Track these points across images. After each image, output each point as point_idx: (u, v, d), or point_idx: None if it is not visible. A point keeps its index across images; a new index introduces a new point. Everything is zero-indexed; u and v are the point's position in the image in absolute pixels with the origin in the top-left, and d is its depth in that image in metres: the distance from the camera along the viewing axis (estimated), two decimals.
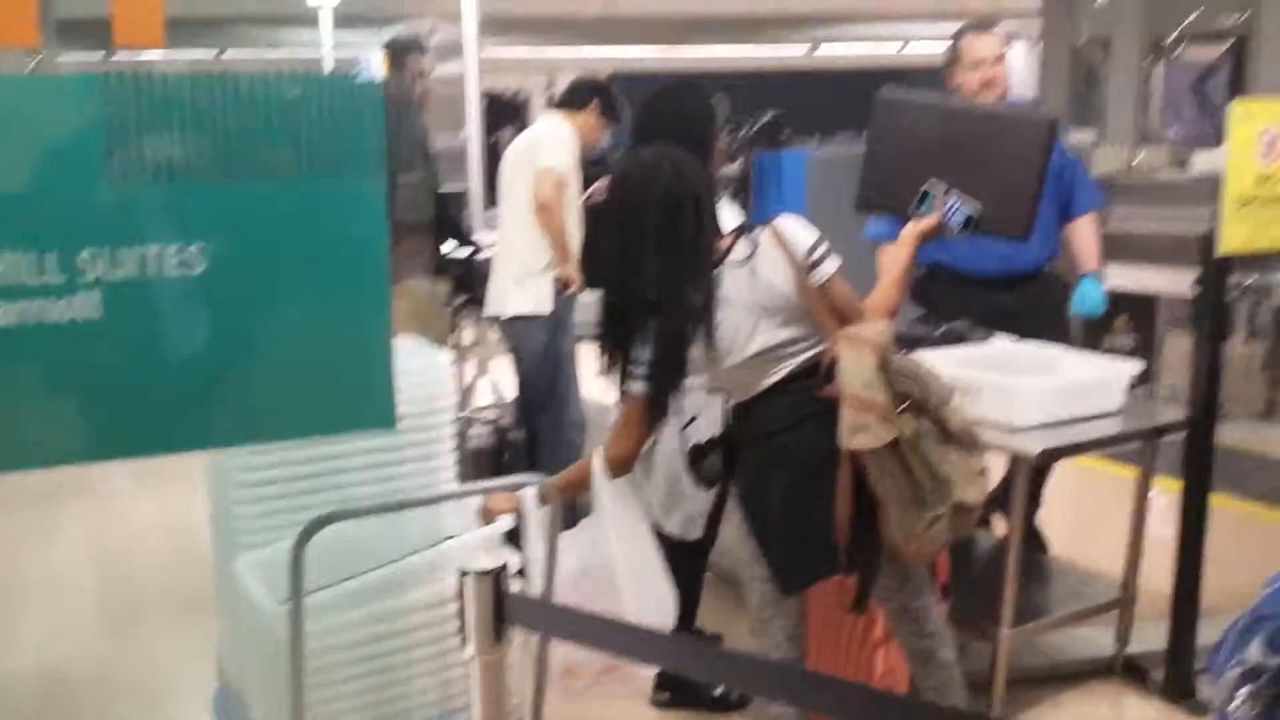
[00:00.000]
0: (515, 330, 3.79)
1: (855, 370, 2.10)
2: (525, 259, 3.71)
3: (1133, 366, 2.95)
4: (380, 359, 1.72)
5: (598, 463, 2.22)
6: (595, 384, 3.19)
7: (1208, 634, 2.89)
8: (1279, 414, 5.25)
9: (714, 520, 2.87)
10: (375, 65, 4.71)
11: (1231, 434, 3.56)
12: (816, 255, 2.20)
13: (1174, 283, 4.57)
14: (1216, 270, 2.86)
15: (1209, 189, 5.27)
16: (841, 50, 11.82)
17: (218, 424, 1.66)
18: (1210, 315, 2.89)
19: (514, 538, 2.27)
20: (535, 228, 3.67)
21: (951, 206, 2.38)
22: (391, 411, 1.75)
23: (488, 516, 2.34)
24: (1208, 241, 2.82)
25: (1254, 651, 1.47)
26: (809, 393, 2.19)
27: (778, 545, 2.25)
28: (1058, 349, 3.05)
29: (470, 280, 4.39)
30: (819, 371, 2.19)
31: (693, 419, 2.69)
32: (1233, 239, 2.75)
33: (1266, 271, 4.58)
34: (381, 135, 1.62)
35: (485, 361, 5.23)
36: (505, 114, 9.57)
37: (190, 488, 3.08)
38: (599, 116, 3.81)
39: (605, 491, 2.22)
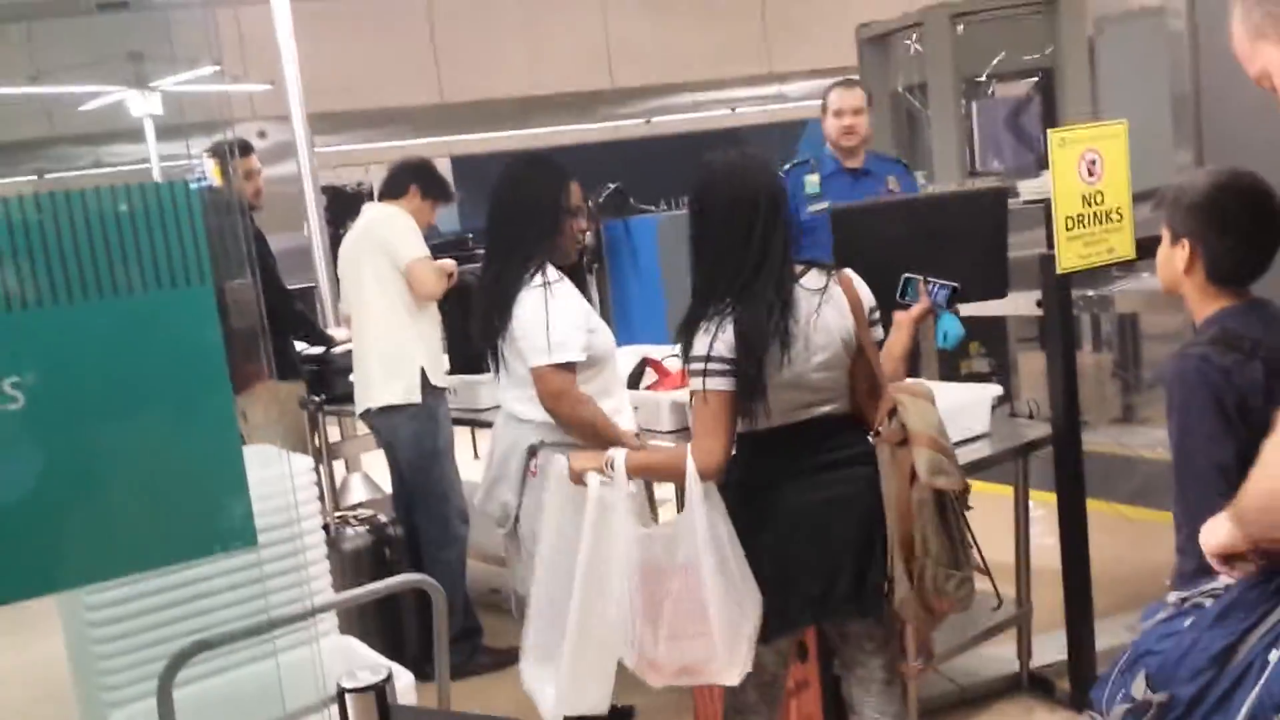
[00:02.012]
0: (387, 423, 3.66)
1: (926, 417, 2.16)
2: (386, 349, 3.61)
3: (993, 389, 3.03)
4: (232, 473, 1.62)
5: (691, 466, 2.16)
6: (477, 469, 3.11)
7: (1105, 639, 2.95)
8: (1136, 417, 5.47)
9: None
10: (208, 172, 4.59)
11: (1094, 441, 3.68)
12: (876, 315, 2.30)
13: (1018, 304, 4.74)
14: (1059, 288, 2.97)
15: (1038, 214, 5.54)
16: (675, 118, 12.09)
17: (64, 564, 1.55)
18: (1059, 332, 2.98)
19: None
20: (394, 316, 3.58)
21: (934, 288, 2.56)
22: (251, 528, 1.64)
23: (576, 479, 2.33)
24: (1047, 262, 2.93)
25: (1137, 688, 1.48)
26: (843, 435, 2.24)
27: (779, 585, 2.21)
28: (920, 380, 3.11)
29: (327, 377, 4.25)
30: (845, 423, 2.25)
31: None
32: (1069, 257, 2.86)
33: (1103, 284, 4.78)
34: (204, 243, 1.54)
35: (355, 458, 5.07)
36: (349, 206, 9.46)
37: (47, 631, 2.85)
38: (422, 199, 3.74)
39: (696, 493, 2.16)
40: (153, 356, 1.54)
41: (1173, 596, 1.59)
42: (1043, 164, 7.56)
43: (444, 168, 4.17)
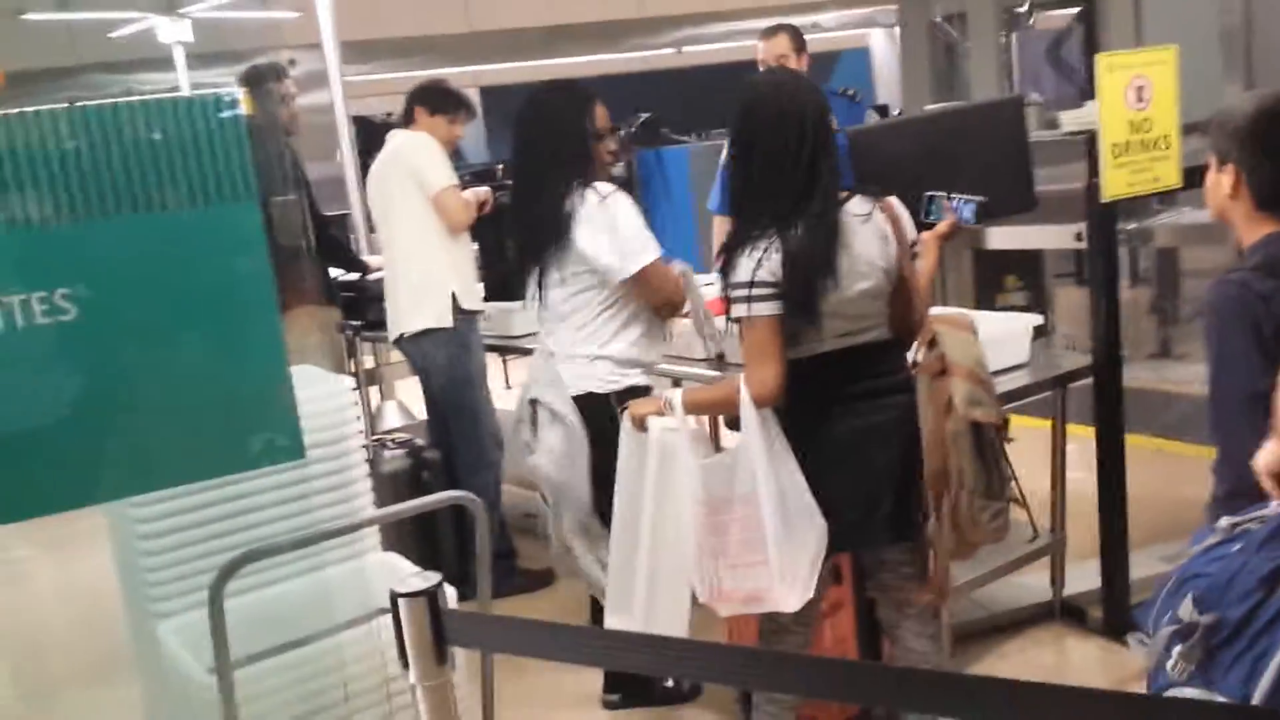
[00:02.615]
0: (419, 349, 3.68)
1: (966, 349, 2.15)
2: (417, 276, 3.61)
3: (1033, 318, 3.01)
4: (280, 388, 1.63)
5: (745, 394, 2.16)
6: (509, 397, 3.13)
7: (1138, 569, 2.96)
8: (1172, 352, 5.43)
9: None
10: (238, 98, 4.55)
11: (1131, 375, 3.66)
12: (918, 246, 2.30)
13: (1056, 237, 4.70)
14: (1103, 218, 2.92)
15: (1079, 147, 5.43)
16: (705, 49, 11.92)
17: (116, 474, 1.57)
18: (1102, 263, 2.94)
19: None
20: (425, 243, 3.58)
21: (957, 204, 2.53)
22: (299, 442, 1.66)
23: (638, 424, 2.34)
24: (1092, 191, 2.88)
25: (1185, 610, 1.48)
26: (884, 363, 2.24)
27: (844, 502, 2.22)
28: (963, 310, 3.09)
29: (362, 304, 4.27)
30: (885, 351, 2.24)
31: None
32: (1115, 185, 2.81)
33: (1143, 217, 4.72)
34: (248, 158, 1.54)
35: (390, 384, 5.12)
36: (379, 136, 9.42)
37: (91, 546, 2.91)
38: (431, 117, 3.69)
39: (752, 421, 2.16)
40: (201, 271, 1.55)
41: (1223, 522, 1.58)
42: (1084, 96, 7.43)
43: (473, 98, 4.12)
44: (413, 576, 1.43)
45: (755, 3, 11.10)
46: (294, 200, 3.75)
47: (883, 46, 12.66)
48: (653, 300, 2.67)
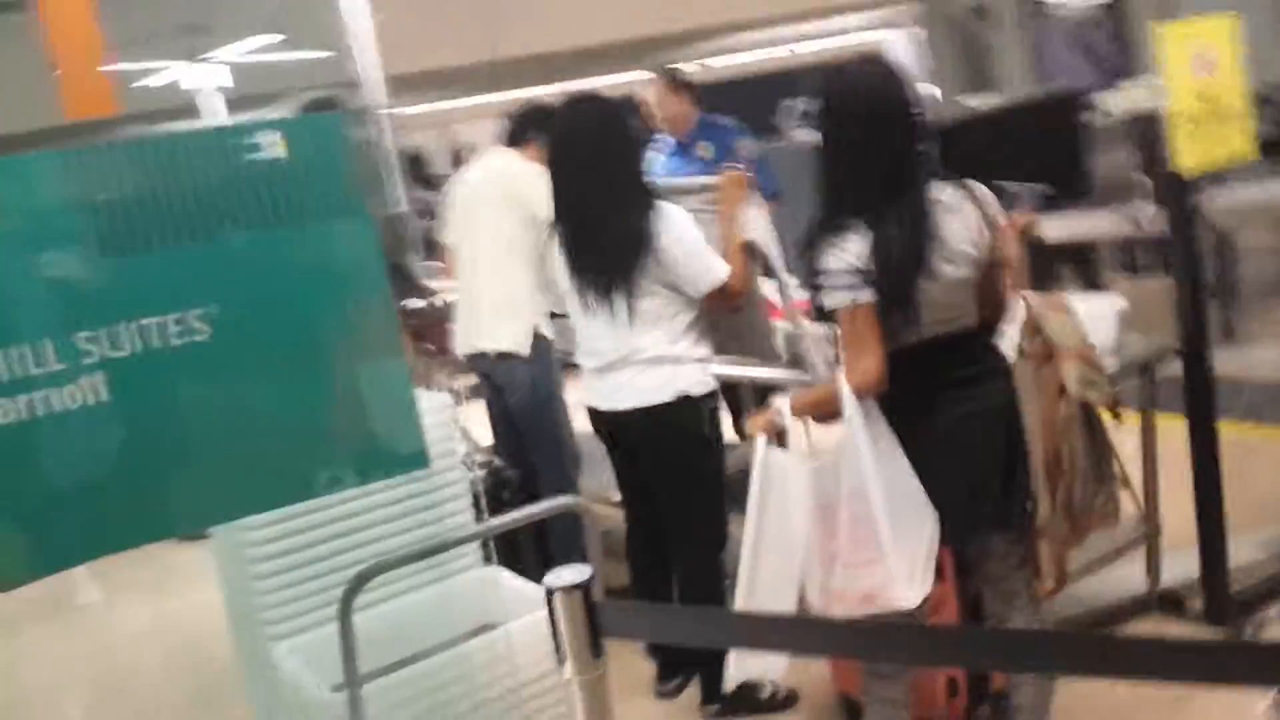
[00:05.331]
0: (497, 367, 3.65)
1: (1070, 331, 2.14)
2: (501, 297, 3.58)
3: (1119, 301, 2.97)
4: (404, 398, 1.66)
5: (846, 387, 2.11)
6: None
7: (1235, 556, 2.91)
8: (1237, 337, 5.32)
9: None
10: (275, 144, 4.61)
11: None
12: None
13: (1108, 226, 4.63)
14: (1181, 193, 2.85)
15: (1122, 131, 5.37)
16: (734, 60, 11.95)
17: (254, 489, 1.59)
18: (1183, 237, 2.87)
19: None
20: (514, 266, 3.53)
21: (1030, 194, 2.73)
22: (424, 451, 1.67)
23: (756, 433, 2.30)
24: (1162, 167, 2.84)
25: None
26: (976, 350, 2.21)
27: (950, 492, 2.18)
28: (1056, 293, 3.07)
29: (424, 329, 4.28)
30: (976, 338, 2.20)
31: None
32: (1190, 156, 2.75)
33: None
34: (355, 171, 1.57)
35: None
36: (409, 168, 9.56)
37: (176, 583, 2.89)
38: (538, 152, 3.52)
39: (855, 416, 2.11)
40: (326, 285, 1.57)
41: None
42: (1116, 80, 7.37)
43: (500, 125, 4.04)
44: (565, 570, 1.43)
45: (777, 11, 11.13)
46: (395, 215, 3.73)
47: (901, 47, 12.64)
48: (726, 304, 2.73)
